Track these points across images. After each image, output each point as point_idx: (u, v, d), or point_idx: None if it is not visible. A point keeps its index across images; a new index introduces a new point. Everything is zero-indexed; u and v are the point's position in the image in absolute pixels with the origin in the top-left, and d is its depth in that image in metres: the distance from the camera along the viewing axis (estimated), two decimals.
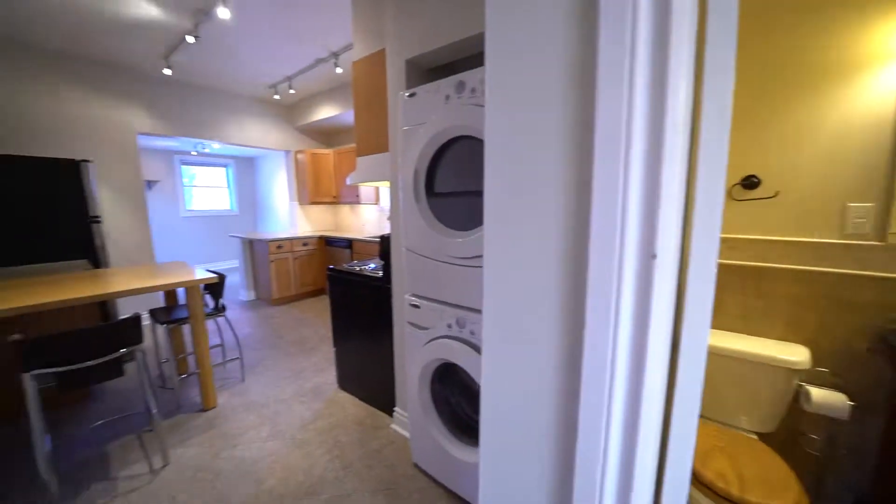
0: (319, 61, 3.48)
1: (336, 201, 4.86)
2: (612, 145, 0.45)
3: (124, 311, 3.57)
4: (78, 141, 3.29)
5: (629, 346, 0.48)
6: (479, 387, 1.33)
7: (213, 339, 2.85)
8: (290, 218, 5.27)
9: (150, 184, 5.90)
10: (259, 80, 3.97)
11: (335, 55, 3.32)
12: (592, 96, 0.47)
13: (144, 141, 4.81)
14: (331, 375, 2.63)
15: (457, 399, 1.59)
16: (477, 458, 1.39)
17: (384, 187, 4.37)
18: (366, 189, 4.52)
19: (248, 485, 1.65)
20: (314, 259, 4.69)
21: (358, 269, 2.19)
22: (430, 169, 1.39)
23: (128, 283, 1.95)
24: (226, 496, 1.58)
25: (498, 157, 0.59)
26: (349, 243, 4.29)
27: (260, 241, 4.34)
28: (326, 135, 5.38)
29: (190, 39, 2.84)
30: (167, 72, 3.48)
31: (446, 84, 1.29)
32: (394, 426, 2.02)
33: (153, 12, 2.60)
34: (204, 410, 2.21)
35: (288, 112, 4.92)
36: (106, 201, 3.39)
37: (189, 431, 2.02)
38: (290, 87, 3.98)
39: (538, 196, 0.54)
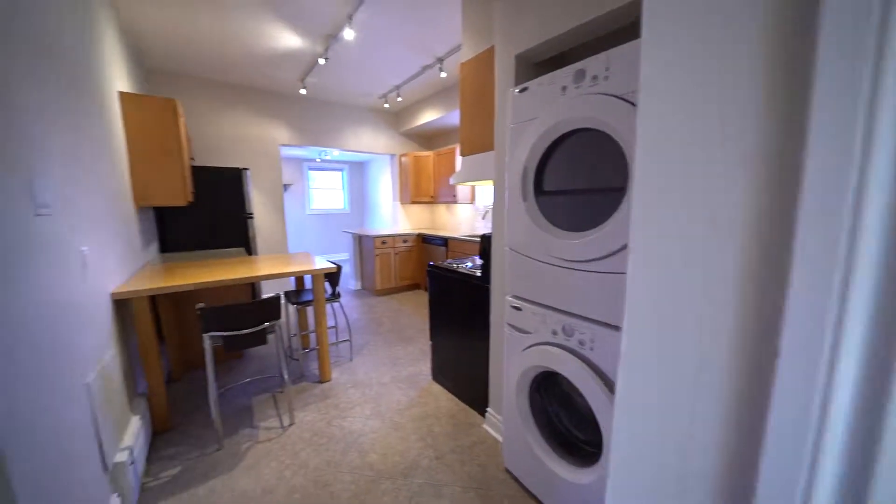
0: (425, 68, 3.67)
1: (433, 201, 5.09)
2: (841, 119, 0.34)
3: (266, 290, 4.35)
4: (238, 153, 4.13)
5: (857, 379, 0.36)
6: (583, 401, 1.23)
7: (329, 321, 3.26)
8: (392, 216, 5.73)
9: (285, 187, 7.08)
10: (372, 91, 4.39)
11: (440, 60, 3.46)
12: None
13: (282, 151, 5.77)
14: (425, 366, 2.75)
15: (555, 410, 1.49)
16: (575, 476, 1.28)
17: (481, 187, 4.40)
18: (462, 188, 4.62)
19: (353, 454, 1.83)
20: (412, 255, 5.00)
21: (456, 266, 2.24)
22: (540, 166, 1.33)
23: (271, 268, 2.36)
24: (336, 461, 1.78)
25: (662, 149, 0.51)
26: (445, 241, 4.45)
27: (367, 236, 4.81)
28: (427, 138, 5.68)
29: (321, 62, 3.29)
30: (302, 91, 4.10)
31: (563, 74, 1.21)
32: (485, 426, 2.01)
33: (296, 42, 3.09)
34: (321, 382, 2.54)
35: (394, 118, 5.34)
36: (256, 201, 4.18)
37: (309, 398, 2.35)
38: (398, 96, 4.30)
39: (710, 192, 0.45)
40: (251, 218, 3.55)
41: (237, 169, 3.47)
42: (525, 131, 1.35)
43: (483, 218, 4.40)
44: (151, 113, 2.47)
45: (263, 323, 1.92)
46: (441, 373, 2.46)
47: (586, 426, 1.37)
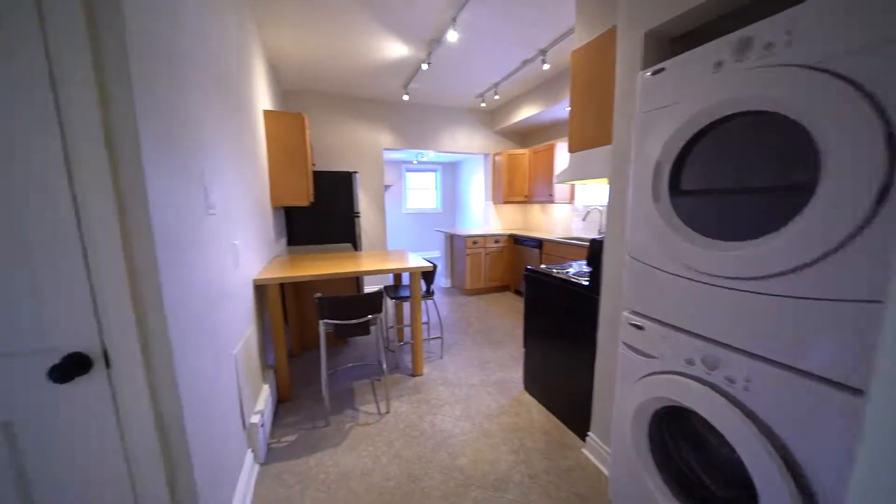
0: (526, 62, 3.53)
1: (527, 200, 4.90)
2: None
3: (368, 284, 4.75)
4: (349, 158, 4.58)
5: None
6: (726, 449, 0.98)
7: (422, 317, 3.38)
8: (483, 216, 5.71)
9: (386, 188, 7.66)
10: (470, 90, 4.41)
11: (543, 52, 3.28)
12: None
13: (385, 154, 6.23)
14: (515, 373, 2.64)
15: (680, 446, 1.25)
16: None
17: (581, 186, 4.06)
18: (560, 188, 4.33)
19: (443, 453, 1.83)
20: (503, 256, 4.89)
21: (557, 272, 2.08)
22: (678, 161, 1.11)
23: (375, 264, 2.53)
24: (427, 456, 1.81)
25: None
26: (539, 243, 4.24)
27: (459, 236, 4.87)
28: (522, 135, 5.49)
29: (424, 67, 3.42)
30: (405, 97, 4.34)
31: (717, 47, 0.98)
32: (585, 451, 1.82)
33: (401, 51, 3.26)
34: (413, 375, 2.64)
35: (489, 117, 5.29)
36: (362, 201, 4.58)
37: (402, 390, 2.45)
38: (496, 93, 4.23)
39: None
40: (358, 217, 3.90)
41: (348, 172, 3.85)
42: (658, 121, 1.14)
43: (584, 219, 4.05)
44: (285, 126, 2.88)
45: (367, 315, 2.06)
46: (534, 383, 2.32)
47: (728, 478, 1.11)
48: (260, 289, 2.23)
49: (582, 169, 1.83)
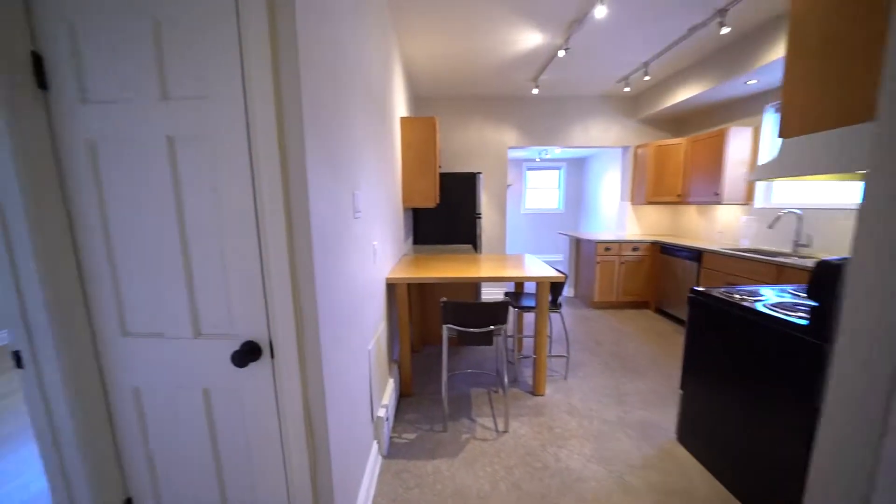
0: (693, 29, 2.84)
1: (681, 200, 4.03)
2: None
3: (485, 286, 4.68)
4: (473, 158, 4.57)
5: None
6: None
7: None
8: (617, 219, 4.98)
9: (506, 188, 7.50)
10: (611, 75, 3.85)
11: (720, 12, 2.57)
12: None
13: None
14: (664, 416, 2.14)
15: None
16: None
17: (763, 183, 3.09)
18: (732, 184, 3.40)
19: (571, 499, 1.57)
20: (643, 267, 4.16)
21: (741, 298, 1.55)
22: None
23: (499, 270, 2.39)
24: (552, 498, 1.57)
25: None
26: (696, 255, 3.42)
27: (588, 240, 4.36)
28: (675, 122, 4.56)
29: (560, 54, 3.10)
30: (535, 91, 4.07)
31: None
32: None
33: (535, 40, 3.02)
34: (533, 394, 2.41)
35: (631, 104, 4.56)
36: (483, 202, 4.53)
37: (522, 409, 2.25)
38: (646, 73, 3.58)
39: None
40: (480, 218, 3.85)
41: (472, 173, 3.83)
42: None
43: (770, 227, 3.07)
44: (418, 131, 3.00)
45: (491, 325, 1.94)
46: (694, 436, 1.82)
47: None
48: (390, 286, 2.35)
49: (810, 159, 1.29)
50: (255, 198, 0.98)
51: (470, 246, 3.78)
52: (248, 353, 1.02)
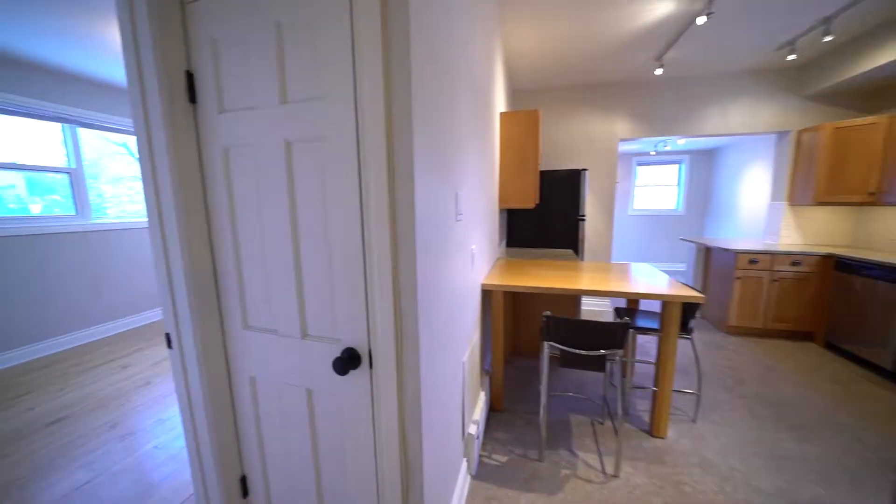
0: None
1: (873, 200, 2.98)
2: None
3: (584, 298, 4.22)
4: (576, 154, 4.13)
5: None
6: None
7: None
8: (766, 223, 3.96)
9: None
10: (769, 41, 3.04)
11: None
12: None
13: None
14: (851, 499, 1.54)
15: None
16: None
17: None
18: None
19: None
20: (807, 287, 3.20)
21: None
22: None
23: (609, 281, 2.05)
24: None
25: None
26: None
27: (723, 249, 3.56)
28: (866, 96, 3.40)
29: (700, 21, 2.54)
30: (658, 72, 3.46)
31: None
32: None
33: (668, 7, 2.52)
34: (651, 434, 2.00)
35: (795, 77, 3.55)
36: (587, 203, 4.07)
37: (636, 451, 1.88)
38: (827, 32, 2.71)
39: None
40: (583, 220, 3.45)
41: (577, 170, 3.45)
42: None
43: None
44: (518, 126, 2.78)
45: (604, 349, 1.64)
46: None
47: None
48: (485, 293, 2.21)
49: None
50: (362, 201, 0.93)
51: (570, 251, 3.41)
52: (348, 361, 0.98)
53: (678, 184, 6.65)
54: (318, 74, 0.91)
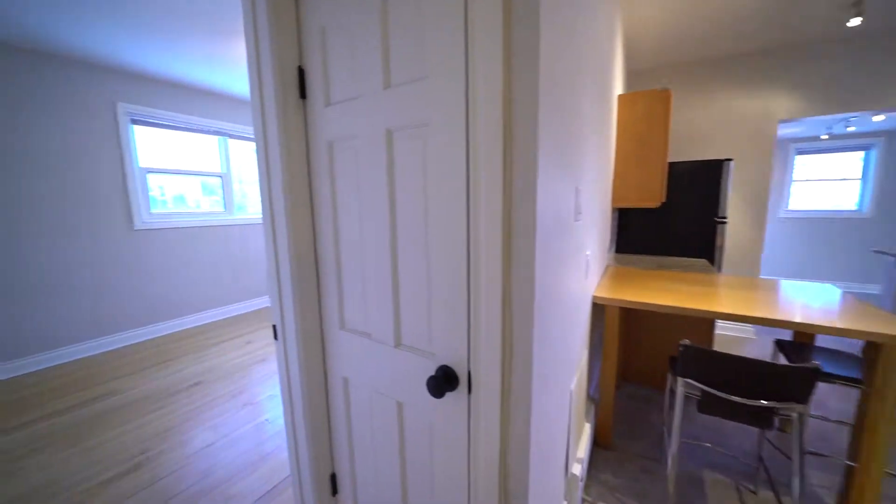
0: None
1: None
2: None
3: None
4: (716, 142, 3.36)
5: None
6: None
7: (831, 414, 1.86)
8: None
9: None
10: None
11: None
12: None
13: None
14: None
15: None
16: None
17: None
18: None
19: None
20: None
21: None
22: None
23: (767, 305, 1.52)
24: None
25: None
26: None
27: None
28: None
29: None
30: (853, 22, 2.55)
31: None
32: None
33: None
34: None
35: None
36: (731, 201, 3.28)
37: None
38: None
39: None
40: (723, 223, 2.76)
41: (717, 161, 2.77)
42: None
43: None
44: (640, 110, 2.33)
45: (770, 399, 1.20)
46: None
47: None
48: (596, 307, 1.89)
49: None
50: (469, 195, 0.77)
51: (704, 261, 2.77)
52: (444, 382, 0.84)
53: (863, 177, 5.00)
54: (424, 49, 0.79)
